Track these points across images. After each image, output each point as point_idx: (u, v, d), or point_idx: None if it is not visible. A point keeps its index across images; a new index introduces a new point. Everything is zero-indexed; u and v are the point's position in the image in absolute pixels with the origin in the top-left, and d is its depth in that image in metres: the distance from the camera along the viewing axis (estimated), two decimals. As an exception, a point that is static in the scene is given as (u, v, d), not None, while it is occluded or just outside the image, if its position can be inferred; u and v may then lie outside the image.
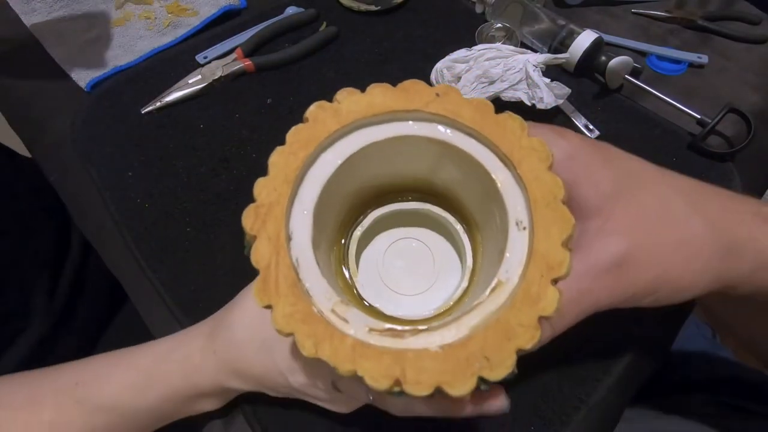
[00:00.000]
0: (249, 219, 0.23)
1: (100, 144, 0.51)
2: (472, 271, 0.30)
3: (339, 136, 0.26)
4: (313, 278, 0.23)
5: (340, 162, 0.26)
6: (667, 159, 0.49)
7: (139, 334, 0.39)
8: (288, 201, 0.24)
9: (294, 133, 0.25)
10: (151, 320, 0.44)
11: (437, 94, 0.26)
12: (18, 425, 0.31)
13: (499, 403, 0.27)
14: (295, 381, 0.29)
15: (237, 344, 0.31)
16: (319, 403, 0.32)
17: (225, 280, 0.43)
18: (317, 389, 0.30)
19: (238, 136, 0.51)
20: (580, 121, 0.52)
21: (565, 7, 0.63)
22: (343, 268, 0.30)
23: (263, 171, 0.25)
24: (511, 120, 0.25)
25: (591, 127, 0.52)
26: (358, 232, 0.31)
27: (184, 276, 0.43)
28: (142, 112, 0.53)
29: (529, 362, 0.38)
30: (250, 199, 0.24)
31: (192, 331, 0.34)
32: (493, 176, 0.25)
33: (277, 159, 0.25)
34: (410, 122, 0.26)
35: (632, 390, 0.40)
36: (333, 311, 0.22)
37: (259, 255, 0.23)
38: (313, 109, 0.26)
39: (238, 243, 0.44)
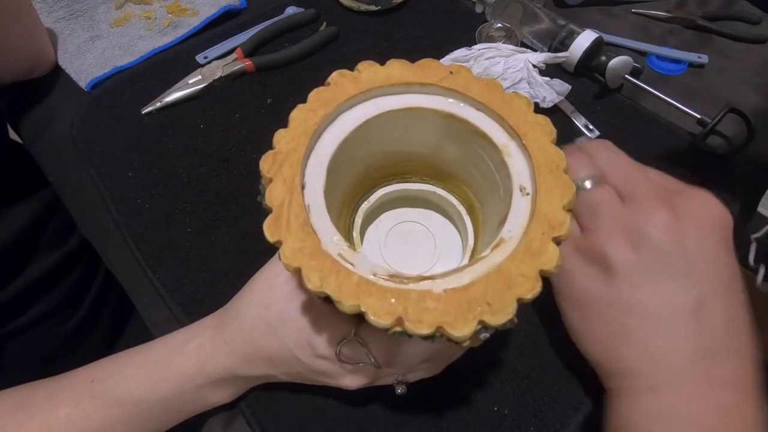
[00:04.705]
0: (266, 163, 0.24)
1: (100, 144, 0.51)
2: (474, 250, 0.31)
3: (357, 101, 0.27)
4: (324, 224, 0.24)
5: (356, 124, 0.27)
6: (667, 159, 0.50)
7: (149, 336, 0.40)
8: (305, 151, 0.25)
9: (315, 94, 0.27)
10: (151, 320, 0.44)
11: (450, 72, 0.28)
12: (36, 422, 0.32)
13: None
14: (303, 355, 0.31)
15: (245, 331, 0.32)
16: (327, 381, 0.33)
17: (225, 280, 0.43)
18: (324, 361, 0.31)
19: (238, 136, 0.51)
20: (579, 121, 0.52)
21: (565, 7, 0.64)
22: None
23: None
24: (518, 98, 0.27)
25: (591, 127, 0.52)
26: (364, 206, 0.32)
27: (184, 276, 0.43)
28: (142, 112, 0.53)
29: (529, 363, 0.38)
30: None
31: (201, 324, 0.35)
32: (500, 146, 0.26)
33: (297, 114, 0.26)
34: (425, 95, 0.28)
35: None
36: (340, 255, 0.23)
37: (274, 195, 0.24)
38: (335, 76, 0.27)
39: (238, 243, 0.44)
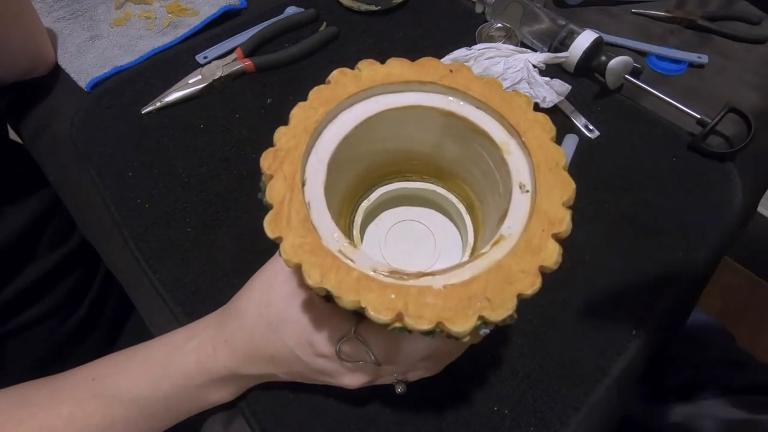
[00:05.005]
0: (267, 160, 0.24)
1: (100, 144, 0.51)
2: (474, 248, 0.31)
3: (358, 99, 0.28)
4: (324, 220, 0.24)
5: (357, 122, 0.27)
6: (667, 159, 0.50)
7: (149, 336, 0.40)
8: (305, 148, 0.25)
9: (316, 92, 0.27)
10: (151, 320, 0.44)
11: (451, 71, 0.28)
12: (37, 421, 0.32)
13: None
14: (304, 353, 0.31)
15: (246, 331, 0.32)
16: (328, 380, 0.33)
17: (225, 280, 0.43)
18: (324, 359, 0.31)
19: (238, 136, 0.51)
20: (579, 121, 0.52)
21: (565, 7, 0.64)
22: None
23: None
24: (518, 96, 0.27)
25: (591, 127, 0.52)
26: (364, 204, 0.33)
27: (184, 276, 0.43)
28: (142, 112, 0.53)
29: (529, 363, 0.38)
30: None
31: (201, 323, 0.35)
32: (499, 143, 0.27)
33: (298, 112, 0.26)
34: (425, 93, 0.28)
35: (631, 391, 0.40)
36: (340, 251, 0.23)
37: (274, 191, 0.24)
38: (336, 74, 0.27)
39: (238, 243, 0.44)
